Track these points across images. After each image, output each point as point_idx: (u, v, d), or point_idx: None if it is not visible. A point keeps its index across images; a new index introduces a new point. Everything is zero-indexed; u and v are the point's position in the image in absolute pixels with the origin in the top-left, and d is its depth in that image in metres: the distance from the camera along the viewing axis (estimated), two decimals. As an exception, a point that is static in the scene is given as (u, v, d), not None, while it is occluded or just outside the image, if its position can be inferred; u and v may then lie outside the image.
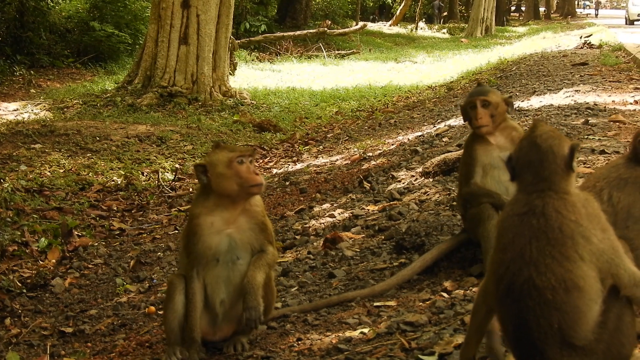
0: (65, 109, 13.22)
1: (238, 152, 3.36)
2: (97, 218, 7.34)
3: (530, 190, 2.32)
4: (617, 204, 2.70)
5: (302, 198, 6.97)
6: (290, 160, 9.63)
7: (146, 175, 8.91)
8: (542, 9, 60.40)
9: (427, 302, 3.50)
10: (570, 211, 2.26)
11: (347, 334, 3.30)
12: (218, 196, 3.32)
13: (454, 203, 5.00)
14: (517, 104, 9.30)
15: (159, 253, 6.13)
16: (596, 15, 59.20)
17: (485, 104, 3.85)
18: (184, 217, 7.20)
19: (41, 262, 5.99)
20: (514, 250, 2.27)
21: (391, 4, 47.51)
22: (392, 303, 3.64)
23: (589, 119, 7.27)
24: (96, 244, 6.55)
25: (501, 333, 2.44)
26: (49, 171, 8.64)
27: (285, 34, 25.34)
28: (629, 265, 2.29)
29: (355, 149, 9.05)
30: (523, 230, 2.27)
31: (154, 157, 9.67)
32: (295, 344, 3.33)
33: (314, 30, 25.69)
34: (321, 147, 10.17)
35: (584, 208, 2.28)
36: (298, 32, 25.64)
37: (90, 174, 8.66)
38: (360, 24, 31.54)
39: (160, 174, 8.73)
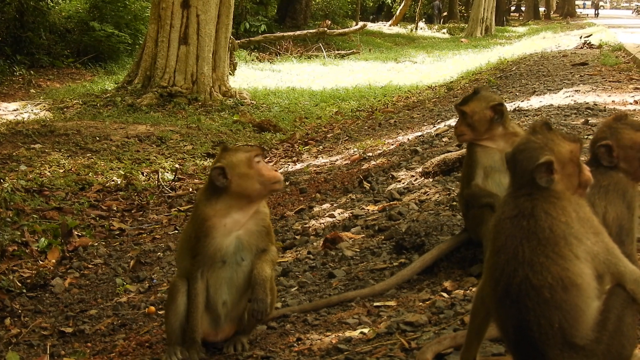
0: (65, 109, 13.22)
1: (254, 151, 3.35)
2: (97, 218, 7.35)
3: (519, 194, 2.34)
4: (605, 215, 2.69)
5: (302, 198, 6.97)
6: (290, 160, 9.64)
7: (146, 175, 8.91)
8: (542, 9, 60.40)
9: (427, 302, 3.50)
10: (561, 213, 2.27)
11: (347, 334, 3.30)
12: (234, 197, 3.28)
13: (454, 203, 5.00)
14: (517, 104, 9.31)
15: (159, 253, 6.13)
16: (596, 15, 59.00)
17: (462, 113, 3.84)
18: (184, 217, 7.20)
19: (41, 262, 5.99)
20: (507, 252, 2.28)
21: (390, 4, 47.51)
22: (392, 303, 3.64)
23: (589, 119, 7.28)
24: (96, 244, 6.55)
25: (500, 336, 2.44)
26: (49, 171, 8.64)
27: (285, 34, 25.34)
28: (627, 262, 2.30)
29: (355, 149, 9.04)
30: (514, 232, 2.28)
31: (154, 157, 9.67)
32: (295, 344, 3.33)
33: (314, 30, 25.68)
34: (321, 147, 10.17)
35: (574, 212, 2.29)
36: (298, 32, 25.63)
37: (90, 174, 8.66)
38: (360, 24, 31.54)
39: (160, 174, 8.73)
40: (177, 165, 9.32)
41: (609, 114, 7.59)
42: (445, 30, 39.40)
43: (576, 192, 2.38)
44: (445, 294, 3.58)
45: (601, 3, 71.38)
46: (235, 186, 3.27)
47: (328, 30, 26.05)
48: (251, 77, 18.23)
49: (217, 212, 3.28)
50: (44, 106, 13.71)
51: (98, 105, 13.20)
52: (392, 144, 8.80)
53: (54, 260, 6.05)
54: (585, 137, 6.37)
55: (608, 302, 2.25)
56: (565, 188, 2.33)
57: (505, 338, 2.36)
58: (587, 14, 61.53)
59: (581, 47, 18.18)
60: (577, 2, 68.36)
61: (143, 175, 8.90)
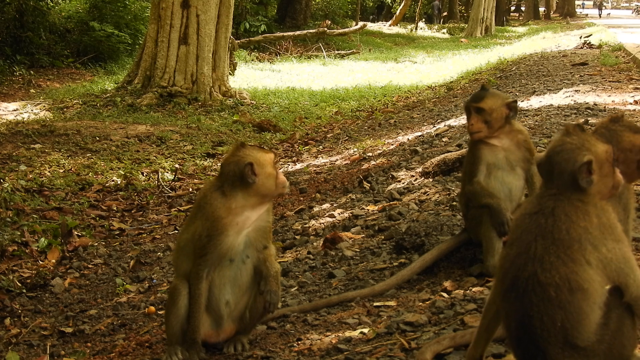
0: (65, 109, 13.23)
1: (274, 152, 3.37)
2: (97, 218, 7.34)
3: (546, 193, 2.34)
4: None
5: (301, 198, 6.98)
6: (290, 160, 9.64)
7: (146, 175, 8.91)
8: (542, 9, 60.41)
9: (427, 302, 3.50)
10: (581, 218, 2.26)
11: (347, 334, 3.30)
12: (251, 195, 3.27)
13: (454, 203, 5.00)
14: (517, 104, 9.30)
15: (159, 253, 6.13)
16: (600, 15, 58.85)
17: (479, 110, 3.80)
18: (184, 217, 7.19)
19: (41, 262, 5.99)
20: (520, 245, 2.29)
21: (390, 4, 47.51)
22: (392, 303, 3.64)
23: (589, 119, 7.28)
24: (96, 244, 6.55)
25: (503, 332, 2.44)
26: (49, 171, 8.64)
27: (285, 34, 25.35)
28: (638, 276, 2.28)
29: (355, 149, 9.05)
30: (531, 228, 2.29)
31: (154, 157, 9.67)
32: (295, 344, 3.33)
33: (314, 30, 25.69)
34: (321, 147, 10.17)
35: (597, 218, 2.28)
36: (298, 32, 25.64)
37: (90, 174, 8.67)
38: (360, 24, 31.54)
39: (160, 174, 8.73)
40: (177, 165, 9.32)
41: (609, 114, 7.59)
42: (445, 30, 39.42)
43: (610, 193, 2.39)
44: (445, 294, 3.58)
45: (604, 3, 71.32)
46: (259, 184, 3.26)
47: (328, 30, 26.06)
48: (251, 77, 18.23)
49: (232, 210, 3.26)
50: (44, 106, 13.71)
51: (98, 105, 13.21)
52: (392, 144, 8.80)
53: (53, 260, 6.05)
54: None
55: (610, 302, 2.25)
56: (600, 189, 2.34)
57: (507, 332, 2.36)
58: (587, 14, 61.39)
59: (581, 47, 18.20)
60: (576, 2, 68.31)
61: (143, 175, 8.90)
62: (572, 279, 2.20)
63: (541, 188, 2.39)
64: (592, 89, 9.87)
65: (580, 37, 20.54)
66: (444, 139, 7.90)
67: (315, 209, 6.23)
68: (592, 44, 18.33)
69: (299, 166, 8.97)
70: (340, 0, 35.99)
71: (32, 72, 17.60)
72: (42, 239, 6.31)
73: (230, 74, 14.93)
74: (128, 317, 4.56)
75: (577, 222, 2.25)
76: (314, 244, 5.15)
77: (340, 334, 3.32)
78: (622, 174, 2.75)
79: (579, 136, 2.37)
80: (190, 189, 8.34)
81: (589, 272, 2.21)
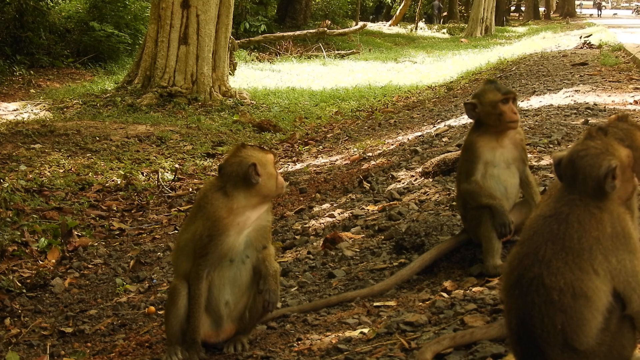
0: (65, 109, 13.23)
1: (274, 152, 3.39)
2: (97, 218, 7.35)
3: (565, 197, 2.33)
4: None
5: (301, 198, 6.98)
6: (290, 160, 9.64)
7: (146, 175, 8.91)
8: (542, 9, 60.41)
9: (427, 302, 3.50)
10: (594, 227, 2.24)
11: (347, 334, 3.30)
12: (252, 196, 3.27)
13: (454, 203, 5.00)
14: (517, 103, 9.31)
15: (159, 253, 6.13)
16: (599, 15, 58.88)
17: (516, 100, 3.93)
18: (184, 217, 7.20)
19: (41, 262, 5.99)
20: (529, 246, 2.29)
21: (390, 4, 47.52)
22: (392, 303, 3.64)
23: (589, 119, 7.28)
24: (96, 244, 6.55)
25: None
26: (49, 171, 8.65)
27: (285, 34, 25.36)
28: None
29: (355, 149, 9.05)
30: (543, 231, 2.28)
31: (154, 157, 9.67)
32: (295, 344, 3.33)
33: (314, 30, 25.70)
34: (321, 147, 10.17)
35: (611, 227, 2.25)
36: (298, 32, 25.65)
37: (90, 174, 8.67)
38: (360, 24, 31.55)
39: (160, 174, 8.73)
40: (177, 165, 9.32)
41: (609, 114, 7.58)
42: (445, 30, 39.43)
43: (628, 197, 2.37)
44: (445, 294, 3.58)
45: (603, 3, 71.40)
46: (261, 184, 3.27)
47: (328, 30, 26.07)
48: (251, 77, 18.24)
49: (234, 211, 3.26)
50: (44, 106, 13.72)
51: (98, 105, 13.22)
52: (392, 144, 8.80)
53: (53, 260, 6.05)
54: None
55: (611, 304, 2.24)
56: (620, 194, 2.32)
57: (508, 329, 2.37)
58: (590, 14, 61.39)
59: (581, 47, 18.21)
60: (576, 2, 68.32)
61: (143, 175, 8.90)
62: (576, 286, 2.19)
63: (560, 190, 2.37)
64: (592, 89, 9.87)
65: (580, 37, 20.56)
66: (444, 139, 7.90)
67: (315, 209, 6.23)
68: (592, 44, 18.35)
69: (299, 166, 8.97)
70: (340, 0, 35.99)
71: (32, 72, 17.60)
72: (42, 239, 6.31)
73: (230, 74, 14.93)
74: (128, 317, 4.56)
75: (589, 232, 2.23)
76: (314, 244, 5.15)
77: (340, 334, 3.32)
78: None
79: (602, 140, 2.35)
80: (190, 189, 8.34)
81: (595, 281, 2.21)
